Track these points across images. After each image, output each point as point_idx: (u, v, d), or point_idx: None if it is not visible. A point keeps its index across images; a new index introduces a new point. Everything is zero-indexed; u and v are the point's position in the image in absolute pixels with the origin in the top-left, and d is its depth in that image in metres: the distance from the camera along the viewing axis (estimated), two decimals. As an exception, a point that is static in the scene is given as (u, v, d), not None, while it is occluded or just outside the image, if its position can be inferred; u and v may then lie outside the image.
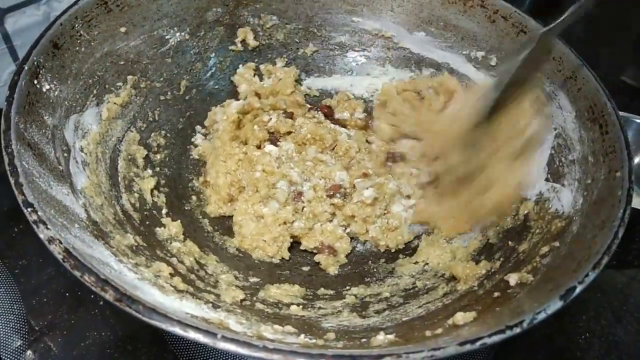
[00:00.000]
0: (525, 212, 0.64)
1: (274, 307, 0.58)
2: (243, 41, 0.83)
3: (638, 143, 0.88)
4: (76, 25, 0.64)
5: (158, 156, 0.73)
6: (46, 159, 0.54)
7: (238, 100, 0.80)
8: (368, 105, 0.86)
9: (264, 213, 0.68)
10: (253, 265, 0.66)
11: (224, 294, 0.57)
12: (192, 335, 0.39)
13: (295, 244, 0.70)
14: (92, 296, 0.68)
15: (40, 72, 0.58)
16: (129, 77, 0.71)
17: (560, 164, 0.65)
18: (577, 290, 0.46)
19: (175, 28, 0.77)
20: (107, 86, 0.68)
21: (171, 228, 0.64)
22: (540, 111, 0.65)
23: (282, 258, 0.68)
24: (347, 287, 0.63)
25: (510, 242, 0.62)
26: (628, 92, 1.05)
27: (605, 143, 0.60)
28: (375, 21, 0.85)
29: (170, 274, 0.55)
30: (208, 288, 0.57)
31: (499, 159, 0.64)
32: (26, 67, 0.57)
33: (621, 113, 0.63)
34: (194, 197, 0.73)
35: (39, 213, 0.45)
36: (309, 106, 0.83)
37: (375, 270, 0.68)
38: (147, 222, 0.63)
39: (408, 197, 0.73)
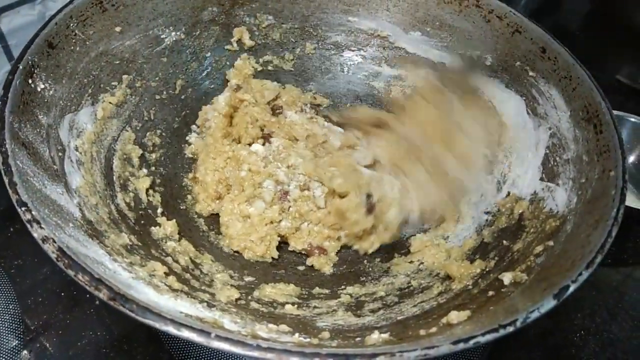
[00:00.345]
0: (520, 211, 0.65)
1: (269, 307, 0.58)
2: (239, 41, 0.84)
3: (633, 142, 0.88)
4: (71, 24, 0.64)
5: (153, 155, 0.73)
6: (40, 158, 0.54)
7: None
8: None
9: (250, 213, 0.68)
10: (248, 265, 0.66)
11: (218, 293, 0.57)
12: (185, 334, 0.39)
13: (284, 244, 0.70)
14: (88, 296, 0.68)
15: (35, 71, 0.58)
16: (124, 76, 0.71)
17: (555, 163, 0.65)
18: (571, 289, 0.46)
19: (171, 27, 0.77)
20: (102, 85, 0.68)
21: (166, 227, 0.64)
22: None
23: (273, 258, 0.68)
24: (343, 287, 0.63)
25: (505, 242, 0.62)
26: (623, 91, 1.06)
27: (599, 142, 0.60)
28: (371, 21, 0.85)
29: (165, 273, 0.55)
30: (203, 287, 0.57)
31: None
32: (21, 67, 0.56)
33: (616, 112, 0.63)
34: (189, 197, 0.73)
35: (33, 212, 0.45)
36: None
37: (370, 269, 0.68)
38: (142, 222, 0.63)
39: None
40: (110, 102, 0.68)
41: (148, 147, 0.73)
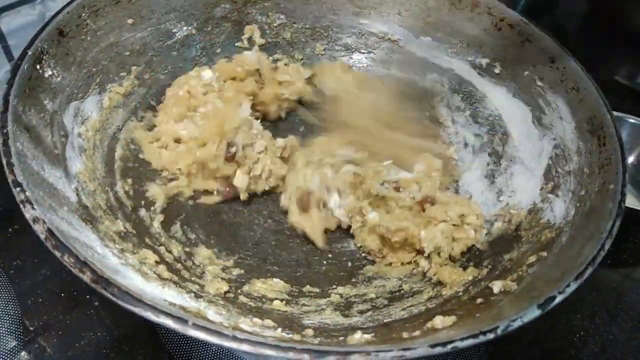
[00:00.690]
0: (519, 221, 0.64)
1: (258, 301, 0.58)
2: (250, 38, 0.84)
3: (631, 143, 0.87)
4: (83, 14, 0.66)
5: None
6: (42, 142, 0.55)
7: None
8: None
9: (181, 135, 0.69)
10: (241, 259, 0.66)
11: (208, 285, 0.57)
12: (162, 320, 0.40)
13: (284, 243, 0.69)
14: (88, 296, 0.66)
15: (44, 58, 0.60)
16: (133, 67, 0.72)
17: (557, 174, 0.64)
18: (557, 300, 0.45)
19: (183, 22, 0.78)
20: (110, 75, 0.69)
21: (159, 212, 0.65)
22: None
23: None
24: (334, 286, 0.63)
25: (499, 251, 0.61)
26: (621, 92, 1.04)
27: (602, 155, 0.60)
28: (383, 24, 0.85)
29: (155, 261, 0.55)
30: (193, 278, 0.58)
31: None
32: (30, 52, 0.58)
33: (615, 113, 0.63)
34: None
35: (27, 193, 0.46)
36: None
37: (363, 271, 0.67)
38: (139, 210, 0.64)
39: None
40: (117, 92, 0.69)
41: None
